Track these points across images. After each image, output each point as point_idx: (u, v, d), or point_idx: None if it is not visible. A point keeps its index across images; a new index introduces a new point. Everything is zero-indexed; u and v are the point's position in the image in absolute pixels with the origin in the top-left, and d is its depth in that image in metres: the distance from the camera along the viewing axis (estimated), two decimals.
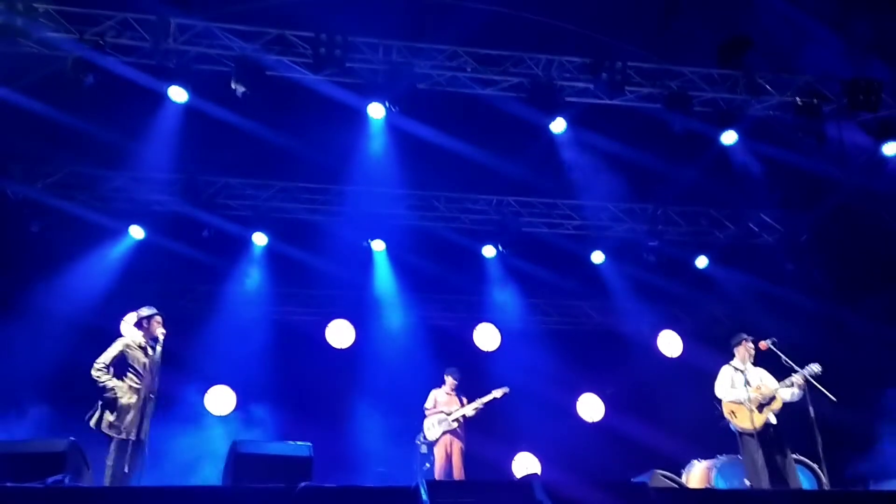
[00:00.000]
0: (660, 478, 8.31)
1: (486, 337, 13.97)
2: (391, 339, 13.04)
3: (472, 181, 11.65)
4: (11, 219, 10.75)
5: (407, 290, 13.06)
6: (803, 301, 11.23)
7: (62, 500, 5.19)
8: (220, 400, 12.63)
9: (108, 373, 7.15)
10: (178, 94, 9.21)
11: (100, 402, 7.08)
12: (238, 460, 6.60)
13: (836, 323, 10.83)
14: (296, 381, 12.20)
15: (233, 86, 8.85)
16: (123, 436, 6.97)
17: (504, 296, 13.44)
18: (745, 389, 7.91)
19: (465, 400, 9.95)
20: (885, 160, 10.21)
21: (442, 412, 9.83)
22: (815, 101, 9.82)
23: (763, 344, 8.09)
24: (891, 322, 10.39)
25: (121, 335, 7.56)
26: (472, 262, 12.80)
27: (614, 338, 13.66)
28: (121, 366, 7.21)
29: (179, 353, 9.29)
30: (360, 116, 10.05)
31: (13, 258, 11.08)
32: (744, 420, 7.83)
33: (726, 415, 8.03)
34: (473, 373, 11.15)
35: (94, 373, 7.12)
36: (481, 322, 13.99)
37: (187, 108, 9.63)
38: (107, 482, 6.81)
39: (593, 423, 13.98)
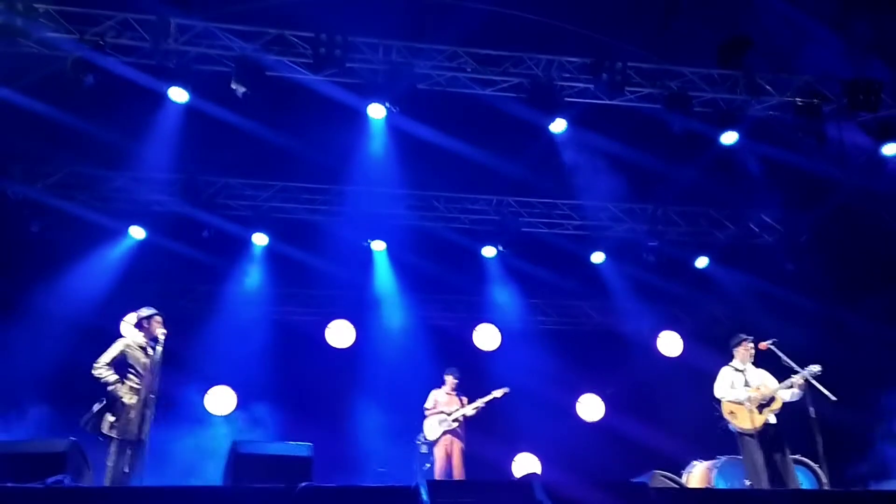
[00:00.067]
0: (660, 478, 8.32)
1: (486, 337, 13.98)
2: (391, 339, 13.05)
3: (472, 181, 11.65)
4: (11, 219, 10.74)
5: (407, 290, 13.06)
6: (803, 301, 11.22)
7: (62, 500, 5.19)
8: (220, 400, 12.64)
9: (109, 369, 7.14)
10: (178, 95, 9.21)
11: (95, 407, 7.05)
12: (238, 460, 6.61)
13: (836, 323, 10.83)
14: (296, 381, 12.20)
15: (233, 86, 8.85)
16: (124, 436, 6.97)
17: (504, 296, 13.45)
18: (745, 390, 7.92)
19: (465, 400, 9.95)
20: (885, 160, 10.21)
21: (442, 412, 9.83)
22: (815, 101, 9.83)
23: (763, 344, 8.08)
24: (891, 322, 10.39)
25: (121, 335, 7.55)
26: (472, 262, 12.80)
27: (614, 338, 13.67)
28: (121, 366, 7.20)
29: (180, 353, 9.29)
30: (360, 116, 10.05)
31: (13, 258, 11.08)
32: (743, 421, 7.83)
33: (726, 415, 8.03)
34: (473, 373, 11.15)
35: (95, 372, 7.12)
36: (481, 322, 14.00)
37: (187, 109, 9.63)
38: (107, 482, 6.80)
39: (593, 423, 13.99)
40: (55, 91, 9.16)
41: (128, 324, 7.60)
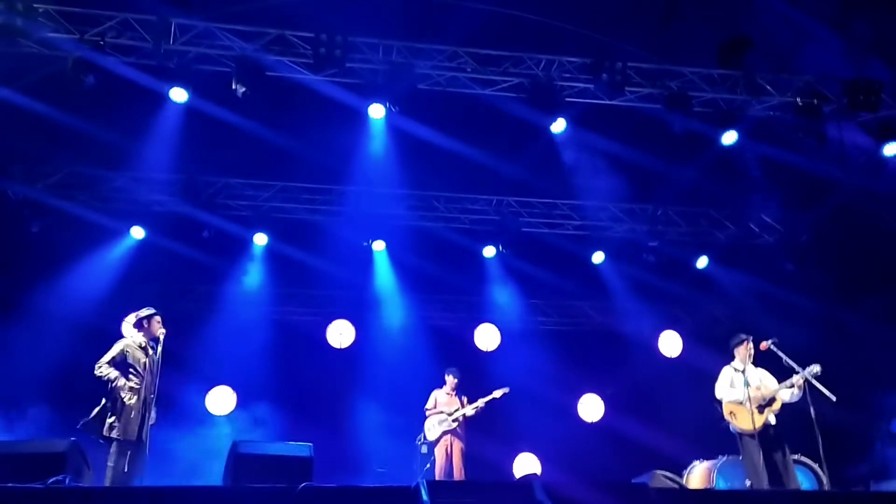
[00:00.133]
0: (660, 478, 8.31)
1: (486, 337, 13.98)
2: (391, 340, 13.06)
3: (472, 181, 11.65)
4: (12, 219, 10.74)
5: (407, 290, 13.07)
6: (803, 301, 11.22)
7: (63, 500, 5.19)
8: (220, 400, 12.65)
9: (110, 367, 7.14)
10: (178, 95, 9.21)
11: (95, 410, 7.05)
12: (238, 460, 6.60)
13: (836, 323, 10.83)
14: (296, 381, 12.21)
15: (233, 86, 8.85)
16: (124, 437, 6.97)
17: (504, 296, 13.46)
18: (745, 390, 7.91)
19: (465, 400, 9.96)
20: (886, 160, 10.21)
21: (442, 412, 9.84)
22: (815, 101, 9.82)
23: (763, 344, 8.07)
24: (891, 322, 10.39)
25: (121, 336, 7.56)
26: (472, 262, 12.81)
27: (614, 338, 13.67)
28: (121, 367, 7.20)
29: (180, 353, 9.30)
30: (361, 117, 10.06)
31: (14, 258, 11.08)
32: (744, 421, 7.82)
33: (726, 416, 8.02)
34: (473, 373, 11.16)
35: (97, 371, 7.12)
36: (481, 322, 14.01)
37: (187, 109, 9.63)
38: (107, 483, 6.81)
39: (593, 423, 13.99)
40: (55, 91, 9.15)
41: (128, 324, 7.60)
